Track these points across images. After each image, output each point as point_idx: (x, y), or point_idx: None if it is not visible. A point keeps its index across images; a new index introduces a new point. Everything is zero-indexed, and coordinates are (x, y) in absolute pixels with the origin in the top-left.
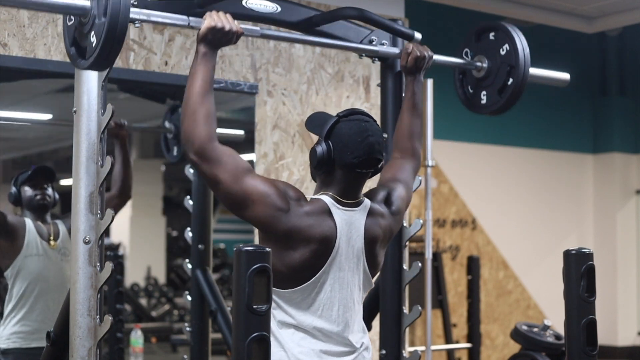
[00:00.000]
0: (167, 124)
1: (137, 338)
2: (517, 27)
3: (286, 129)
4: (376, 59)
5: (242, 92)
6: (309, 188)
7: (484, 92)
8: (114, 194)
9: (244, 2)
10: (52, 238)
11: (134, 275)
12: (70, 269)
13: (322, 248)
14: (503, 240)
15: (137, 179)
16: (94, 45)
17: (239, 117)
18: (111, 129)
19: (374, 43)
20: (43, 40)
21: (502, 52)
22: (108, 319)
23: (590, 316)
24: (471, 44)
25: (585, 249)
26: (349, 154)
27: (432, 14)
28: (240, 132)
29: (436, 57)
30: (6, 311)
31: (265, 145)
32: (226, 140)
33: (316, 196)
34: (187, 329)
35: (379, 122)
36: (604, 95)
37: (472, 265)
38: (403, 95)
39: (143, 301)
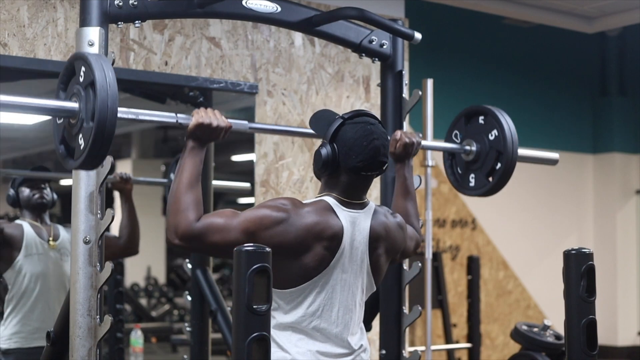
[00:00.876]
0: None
1: (137, 338)
2: (504, 112)
3: None
4: (376, 59)
5: (242, 92)
6: (309, 188)
7: (472, 175)
8: (119, 243)
9: (244, 2)
10: (51, 238)
11: (134, 275)
12: (71, 269)
13: (333, 244)
14: (503, 240)
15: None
16: (82, 147)
17: (239, 117)
18: (116, 183)
19: (374, 43)
20: (43, 40)
21: (491, 137)
22: (108, 319)
23: (590, 316)
24: (460, 127)
25: (585, 249)
26: (354, 157)
27: (432, 14)
28: (247, 184)
29: (425, 142)
30: (7, 311)
31: (265, 145)
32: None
33: (317, 198)
34: (187, 329)
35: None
36: (604, 95)
37: (472, 265)
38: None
39: (143, 301)
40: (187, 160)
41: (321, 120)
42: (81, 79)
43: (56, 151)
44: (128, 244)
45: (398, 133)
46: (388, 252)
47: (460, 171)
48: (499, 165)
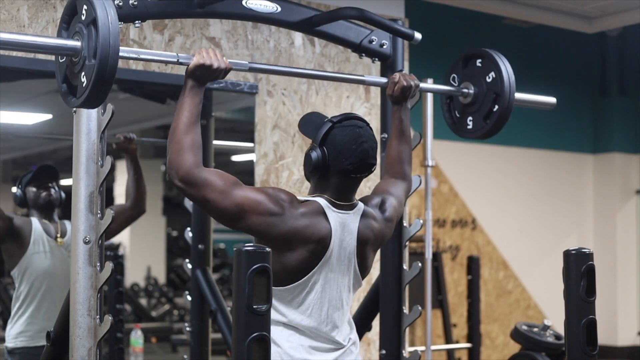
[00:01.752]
0: None
1: (137, 338)
2: (502, 55)
3: (286, 129)
4: (376, 59)
5: (242, 92)
6: (308, 188)
7: (470, 118)
8: (126, 207)
9: (244, 2)
10: (59, 236)
11: (134, 275)
12: (71, 269)
13: (319, 248)
14: (503, 240)
15: None
16: (84, 85)
17: (239, 117)
18: (120, 143)
19: (374, 43)
20: None
21: (488, 80)
22: (108, 319)
23: (590, 316)
24: (458, 70)
25: (585, 249)
26: (343, 160)
27: (432, 14)
28: (250, 144)
29: (423, 85)
30: (14, 309)
31: (265, 145)
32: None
33: (311, 198)
34: (187, 329)
35: (378, 122)
36: (604, 95)
37: (472, 265)
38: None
39: (143, 301)
40: (186, 99)
41: (310, 123)
42: (83, 17)
43: (59, 90)
44: (135, 203)
45: (397, 76)
46: (375, 250)
47: (457, 114)
48: (496, 107)
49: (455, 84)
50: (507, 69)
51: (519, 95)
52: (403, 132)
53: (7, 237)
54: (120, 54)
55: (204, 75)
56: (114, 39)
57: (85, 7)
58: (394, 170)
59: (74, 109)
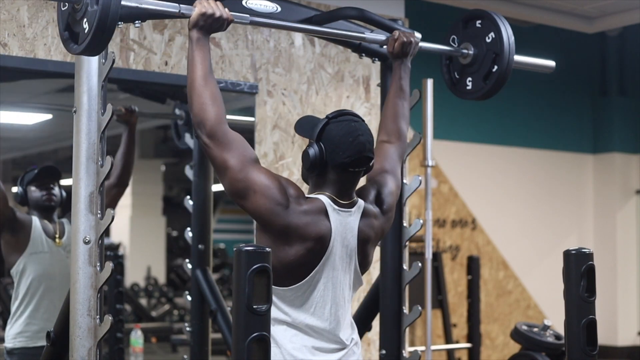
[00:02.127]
0: (177, 111)
1: (137, 338)
2: (504, 17)
3: (286, 129)
4: (376, 59)
5: (242, 92)
6: (308, 189)
7: (469, 79)
8: (112, 183)
9: (244, 2)
10: (57, 236)
11: (134, 275)
12: (71, 269)
13: (317, 247)
14: (503, 240)
15: (137, 179)
16: (86, 31)
17: (239, 117)
18: (122, 115)
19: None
20: (43, 40)
21: (488, 40)
22: (108, 319)
23: (590, 316)
24: (458, 31)
25: (585, 249)
26: (340, 154)
27: (432, 14)
28: (251, 119)
29: (423, 44)
30: (13, 309)
31: (265, 145)
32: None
33: (314, 195)
34: (187, 329)
35: (378, 122)
36: (604, 95)
37: (472, 265)
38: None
39: (143, 301)
40: (196, 52)
41: (305, 124)
42: None
43: (60, 38)
44: (121, 177)
45: (396, 32)
46: (376, 246)
47: (457, 75)
48: (495, 67)
49: (455, 45)
50: (506, 30)
51: (518, 58)
52: (402, 88)
53: (7, 227)
54: (123, 2)
55: (207, 24)
56: None
57: None
58: (389, 127)
59: (74, 108)
